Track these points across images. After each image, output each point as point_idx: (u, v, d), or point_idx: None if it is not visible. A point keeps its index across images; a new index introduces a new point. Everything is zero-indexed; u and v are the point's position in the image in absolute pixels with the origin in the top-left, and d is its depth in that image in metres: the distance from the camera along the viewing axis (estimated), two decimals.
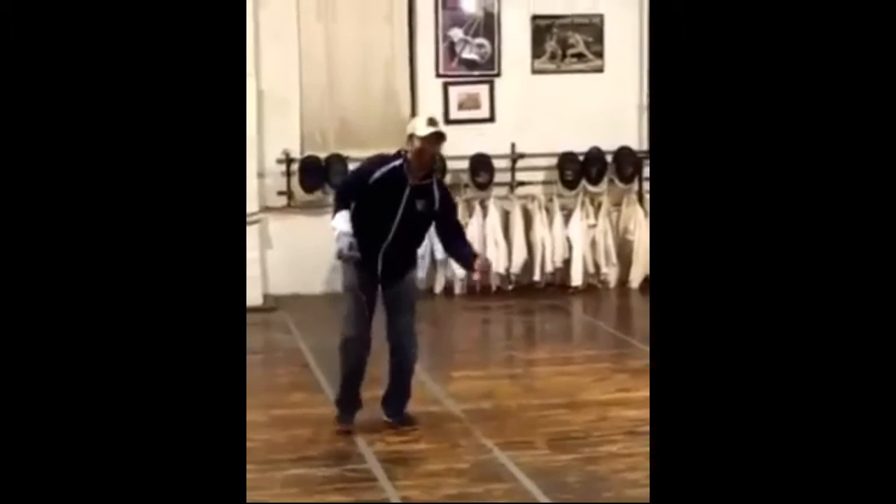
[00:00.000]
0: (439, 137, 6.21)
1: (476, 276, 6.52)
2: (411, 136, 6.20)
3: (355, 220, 6.17)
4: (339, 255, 6.20)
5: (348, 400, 6.51)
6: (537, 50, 11.09)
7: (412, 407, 6.65)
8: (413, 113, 10.71)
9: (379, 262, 6.26)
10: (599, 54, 11.17)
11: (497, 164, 10.87)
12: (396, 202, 6.17)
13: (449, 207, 6.47)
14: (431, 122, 6.24)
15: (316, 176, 10.64)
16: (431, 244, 10.53)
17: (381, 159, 6.31)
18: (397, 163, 6.21)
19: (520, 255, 10.82)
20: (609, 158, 11.03)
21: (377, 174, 6.19)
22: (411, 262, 6.49)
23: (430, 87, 10.91)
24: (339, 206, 6.24)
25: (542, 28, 11.06)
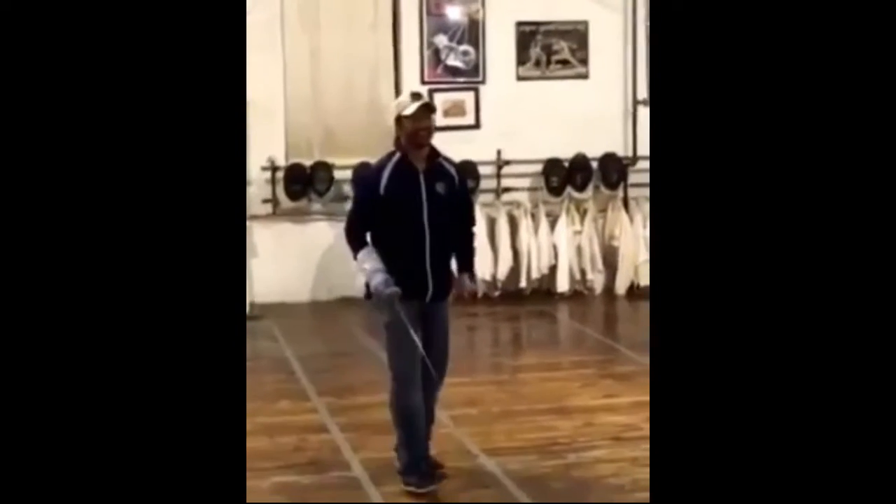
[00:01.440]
0: (428, 109, 5.64)
1: (455, 288, 5.90)
2: (399, 119, 5.59)
3: (384, 245, 5.55)
4: (378, 295, 5.48)
5: (417, 460, 5.73)
6: (522, 56, 11.10)
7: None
8: None
9: (429, 277, 5.60)
10: (584, 61, 11.18)
11: (483, 170, 10.87)
12: (417, 196, 5.54)
13: (465, 187, 5.97)
14: (416, 96, 5.68)
15: (301, 183, 10.65)
16: None
17: (377, 167, 5.65)
18: (396, 158, 5.59)
19: (506, 262, 10.82)
20: (594, 165, 11.05)
21: (384, 180, 5.54)
22: (449, 271, 5.82)
23: None
24: (357, 244, 5.58)
25: (527, 34, 11.07)
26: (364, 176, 5.74)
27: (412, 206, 5.54)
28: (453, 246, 5.79)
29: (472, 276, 5.99)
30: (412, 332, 5.52)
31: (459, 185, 5.79)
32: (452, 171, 5.73)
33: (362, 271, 5.59)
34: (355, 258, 5.61)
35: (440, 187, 5.60)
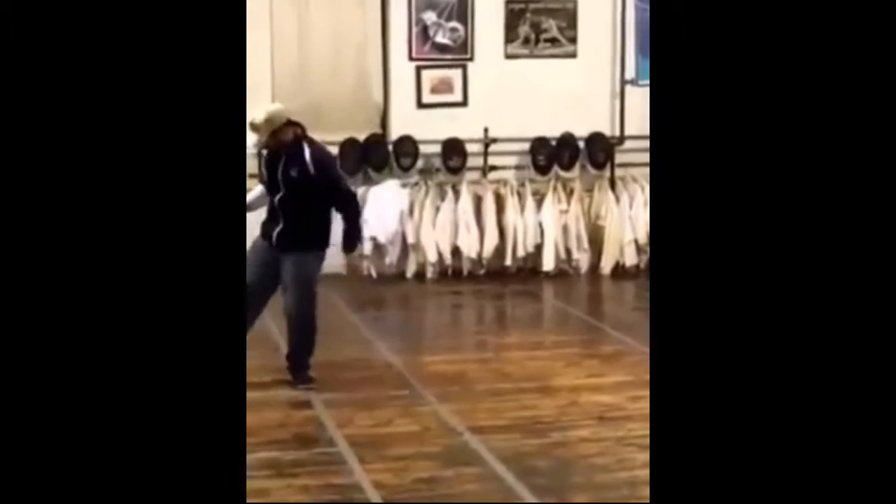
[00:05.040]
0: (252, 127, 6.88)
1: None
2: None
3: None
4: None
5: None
6: (510, 34, 11.06)
7: (377, 391, 6.48)
8: (385, 97, 10.77)
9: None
10: (573, 39, 11.15)
11: (469, 148, 10.85)
12: (273, 174, 7.05)
13: (324, 175, 7.01)
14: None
15: None
16: (403, 230, 10.56)
17: None
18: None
19: (491, 240, 10.81)
20: (581, 144, 11.05)
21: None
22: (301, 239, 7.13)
23: (402, 71, 10.87)
24: None
25: (516, 12, 11.04)
26: None
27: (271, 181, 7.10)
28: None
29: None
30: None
31: (315, 171, 6.92)
32: (308, 158, 6.92)
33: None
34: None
35: (294, 171, 6.94)
